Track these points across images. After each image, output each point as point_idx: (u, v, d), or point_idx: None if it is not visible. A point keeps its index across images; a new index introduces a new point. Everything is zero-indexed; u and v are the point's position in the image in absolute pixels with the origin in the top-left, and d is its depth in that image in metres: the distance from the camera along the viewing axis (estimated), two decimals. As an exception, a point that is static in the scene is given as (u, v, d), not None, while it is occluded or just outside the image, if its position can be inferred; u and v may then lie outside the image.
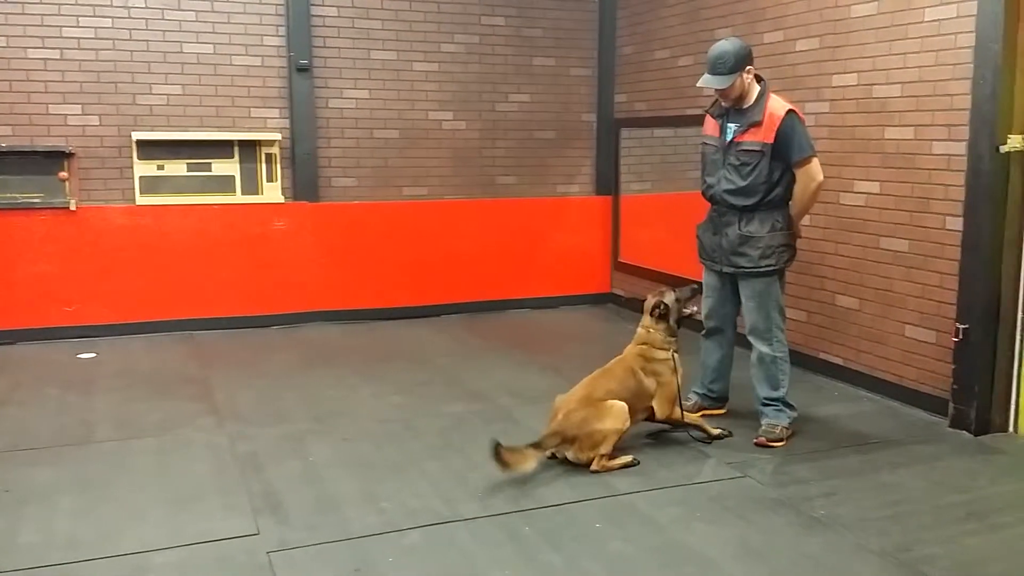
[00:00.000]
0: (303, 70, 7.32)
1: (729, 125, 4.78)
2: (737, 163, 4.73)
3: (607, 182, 8.35)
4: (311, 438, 4.83)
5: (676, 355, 4.68)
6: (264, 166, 7.37)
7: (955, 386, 4.98)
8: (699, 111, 5.44)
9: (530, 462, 4.17)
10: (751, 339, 4.87)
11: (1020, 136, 4.69)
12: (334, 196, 7.60)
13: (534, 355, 6.64)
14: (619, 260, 8.34)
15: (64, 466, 4.42)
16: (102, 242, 6.98)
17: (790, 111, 4.63)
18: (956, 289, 4.98)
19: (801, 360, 5.73)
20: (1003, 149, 4.70)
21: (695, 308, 4.83)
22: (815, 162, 4.66)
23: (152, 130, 7.07)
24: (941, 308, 5.11)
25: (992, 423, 4.92)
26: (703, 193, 4.98)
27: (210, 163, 7.25)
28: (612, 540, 3.65)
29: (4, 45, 6.68)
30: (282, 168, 7.42)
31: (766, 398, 4.86)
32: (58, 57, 6.80)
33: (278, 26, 7.32)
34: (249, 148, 7.33)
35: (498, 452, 4.04)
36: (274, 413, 5.27)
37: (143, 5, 6.96)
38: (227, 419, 5.14)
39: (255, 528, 3.74)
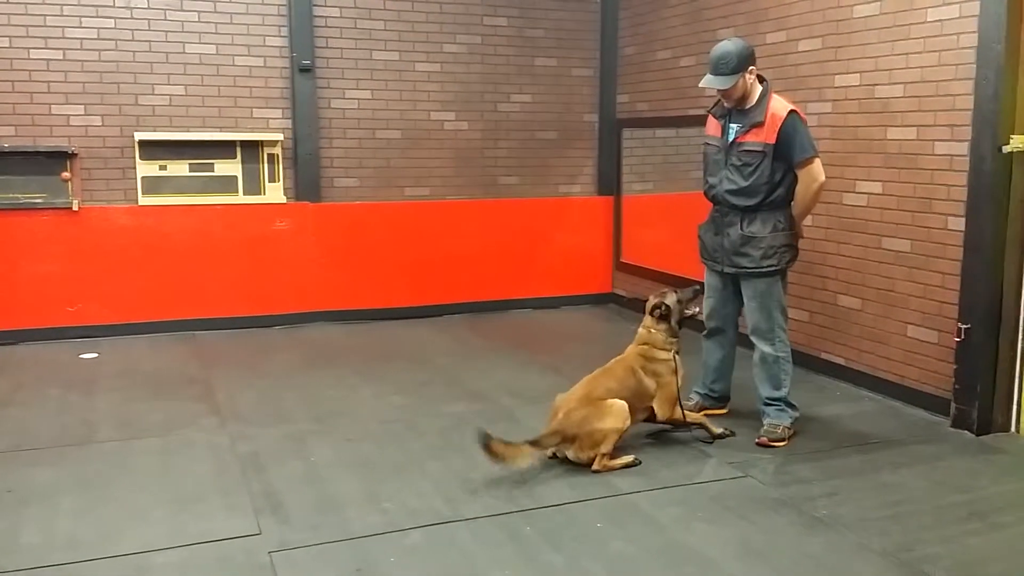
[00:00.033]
0: (305, 71, 7.33)
1: (731, 125, 4.78)
2: (739, 163, 4.73)
3: (609, 182, 8.35)
4: (312, 438, 4.83)
5: (677, 356, 4.68)
6: (266, 166, 7.37)
7: (957, 386, 4.98)
8: (701, 111, 5.45)
9: (524, 458, 4.17)
10: (753, 339, 4.87)
11: (1022, 136, 4.69)
12: (336, 196, 7.60)
13: (535, 355, 6.64)
14: (621, 260, 8.34)
15: (65, 466, 4.43)
16: (104, 242, 6.99)
17: (792, 111, 4.63)
18: (958, 289, 4.98)
19: (803, 360, 5.73)
20: (1005, 149, 4.70)
21: (697, 309, 4.83)
22: (817, 162, 4.65)
23: (154, 130, 7.08)
24: (943, 308, 5.11)
25: (994, 423, 4.92)
26: (705, 193, 4.98)
27: (212, 163, 7.25)
28: (613, 540, 3.65)
29: (7, 46, 6.69)
30: (284, 168, 7.43)
31: (768, 398, 4.86)
32: (61, 58, 6.82)
33: (280, 27, 7.33)
34: (251, 148, 7.34)
35: (488, 443, 4.05)
36: (275, 413, 5.27)
37: (145, 6, 6.97)
38: (228, 419, 5.15)
39: (256, 528, 3.75)
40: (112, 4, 6.89)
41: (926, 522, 3.83)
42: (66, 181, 6.88)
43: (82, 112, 6.91)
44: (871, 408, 5.38)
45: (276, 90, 7.38)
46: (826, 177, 4.76)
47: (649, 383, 4.58)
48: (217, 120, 7.24)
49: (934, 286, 5.16)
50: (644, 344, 4.67)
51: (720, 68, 4.60)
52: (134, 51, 6.98)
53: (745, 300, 4.88)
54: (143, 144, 7.04)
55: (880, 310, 5.53)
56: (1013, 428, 4.94)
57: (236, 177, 7.31)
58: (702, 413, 4.99)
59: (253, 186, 7.35)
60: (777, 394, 4.84)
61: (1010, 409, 4.94)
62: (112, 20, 6.91)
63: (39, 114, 6.82)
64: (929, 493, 4.14)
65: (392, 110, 7.71)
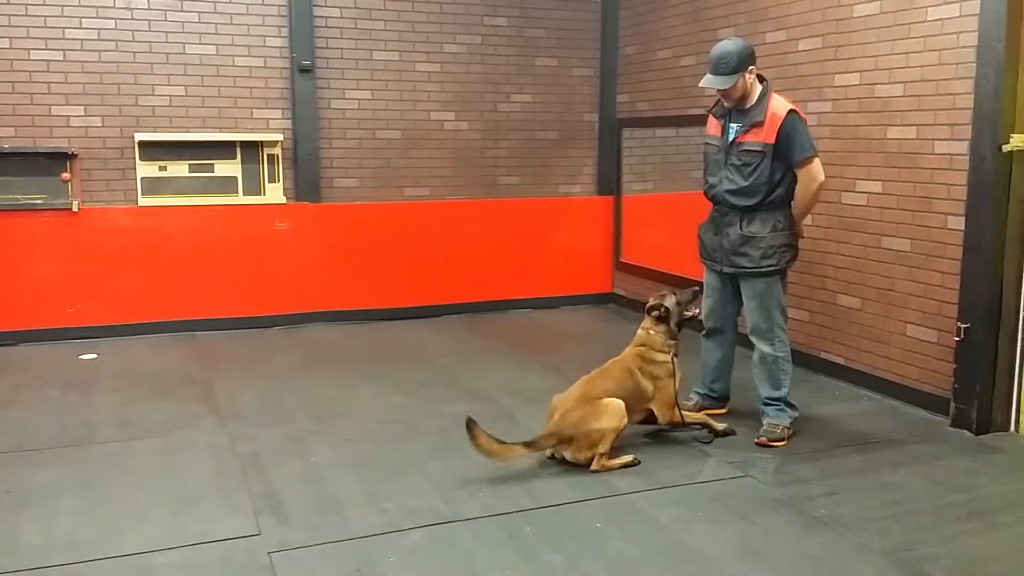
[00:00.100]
0: (305, 71, 7.33)
1: (731, 125, 4.78)
2: (739, 163, 4.72)
3: (609, 182, 8.34)
4: (312, 438, 4.83)
5: (675, 358, 4.67)
6: (266, 167, 7.37)
7: (956, 385, 4.98)
8: (701, 111, 5.45)
9: (516, 459, 4.19)
10: (753, 339, 4.87)
11: (1022, 135, 4.69)
12: (336, 197, 7.60)
13: (535, 355, 6.64)
14: (621, 260, 8.34)
15: (65, 467, 4.43)
16: (104, 243, 7.00)
17: (792, 111, 4.62)
18: (958, 288, 4.98)
19: (803, 360, 5.73)
20: (1005, 148, 4.70)
21: (696, 310, 4.83)
22: (816, 162, 4.65)
23: (154, 131, 7.08)
24: (943, 307, 5.11)
25: (993, 422, 4.92)
26: (705, 193, 4.98)
27: (212, 164, 7.26)
28: (613, 540, 3.65)
29: (7, 47, 6.69)
30: (284, 169, 7.43)
31: (768, 398, 4.86)
32: (61, 59, 6.82)
33: (280, 27, 7.34)
34: (251, 149, 7.34)
35: (473, 431, 4.06)
36: (275, 413, 5.27)
37: (146, 7, 6.97)
38: (228, 419, 5.15)
39: (256, 528, 3.75)
40: (112, 5, 6.89)
41: (926, 522, 3.83)
42: (66, 182, 6.88)
43: (82, 113, 6.92)
44: (871, 408, 5.38)
45: (276, 91, 7.38)
46: (826, 176, 4.76)
47: (647, 385, 4.57)
48: (217, 121, 7.24)
49: (934, 285, 5.16)
50: (642, 345, 4.67)
51: (720, 68, 4.60)
52: (134, 52, 6.99)
53: (744, 300, 4.88)
54: (143, 145, 7.04)
55: (880, 309, 5.53)
56: (1013, 427, 4.94)
57: (236, 178, 7.31)
58: (702, 413, 5.00)
59: (253, 186, 7.36)
60: (776, 394, 4.84)
61: (1010, 408, 4.94)
62: (112, 21, 6.91)
63: (39, 115, 6.82)
64: (929, 493, 4.14)
65: (392, 110, 7.71)
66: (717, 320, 5.06)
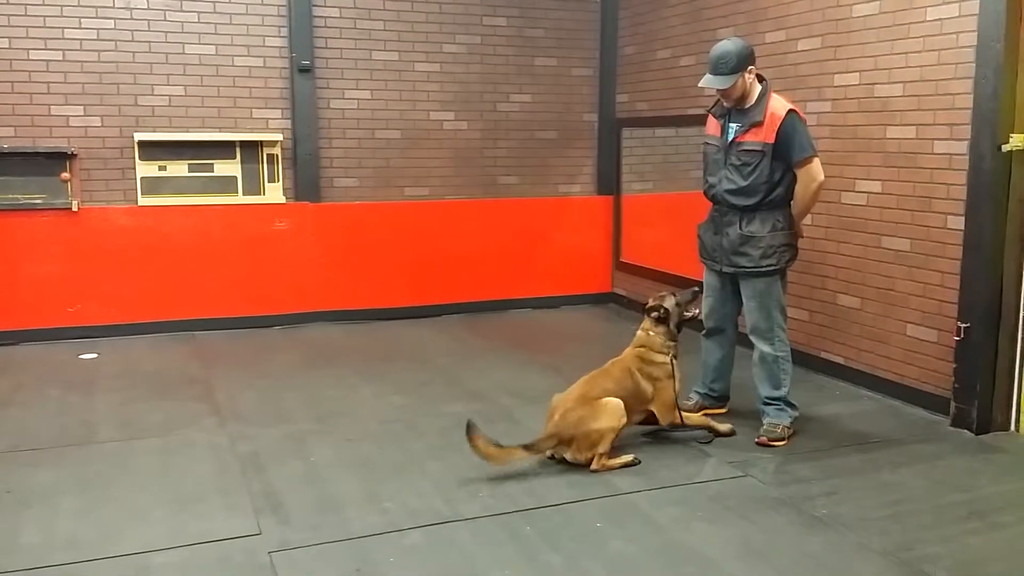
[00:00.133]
0: (305, 71, 7.33)
1: (731, 125, 4.78)
2: (738, 163, 4.72)
3: (609, 182, 8.35)
4: (312, 438, 4.83)
5: (675, 360, 4.66)
6: (266, 167, 7.37)
7: (956, 385, 4.98)
8: (701, 111, 5.45)
9: (515, 461, 4.19)
10: (753, 339, 4.87)
11: (1022, 135, 4.69)
12: (336, 196, 7.60)
13: (535, 355, 6.64)
14: (620, 260, 8.34)
15: (66, 467, 4.43)
16: (104, 243, 6.99)
17: (791, 111, 4.62)
18: (957, 288, 4.98)
19: (802, 359, 5.73)
20: (1005, 148, 4.70)
21: (696, 310, 4.82)
22: (816, 162, 4.65)
23: (154, 131, 7.08)
24: (942, 307, 5.11)
25: (993, 422, 4.92)
26: (704, 193, 4.98)
27: (212, 164, 7.26)
28: (613, 540, 3.65)
29: (6, 47, 6.69)
30: (284, 169, 7.43)
31: (768, 397, 4.86)
32: (60, 58, 6.82)
33: (280, 27, 7.33)
34: (251, 149, 7.34)
35: (472, 436, 4.07)
36: (275, 413, 5.27)
37: (145, 7, 6.97)
38: (228, 419, 5.15)
39: (257, 528, 3.75)
40: (112, 5, 6.89)
41: (926, 521, 3.83)
42: (66, 182, 6.88)
43: (81, 113, 6.92)
44: (871, 407, 5.38)
45: (276, 90, 7.38)
46: (825, 176, 4.76)
47: (646, 386, 4.57)
48: (216, 120, 7.24)
49: (934, 285, 5.16)
50: (641, 347, 4.67)
51: (719, 68, 4.60)
52: (134, 52, 6.98)
53: (744, 300, 4.88)
54: (143, 145, 7.04)
55: (880, 309, 5.54)
56: (1013, 427, 4.94)
57: (236, 177, 7.31)
58: (701, 412, 5.00)
59: (253, 186, 7.35)
60: (777, 393, 4.84)
61: (1010, 408, 4.94)
62: (112, 21, 6.91)
63: (39, 115, 6.82)
64: (929, 492, 4.15)
65: (391, 110, 7.71)
66: (717, 320, 5.06)
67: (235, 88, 7.26)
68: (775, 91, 4.78)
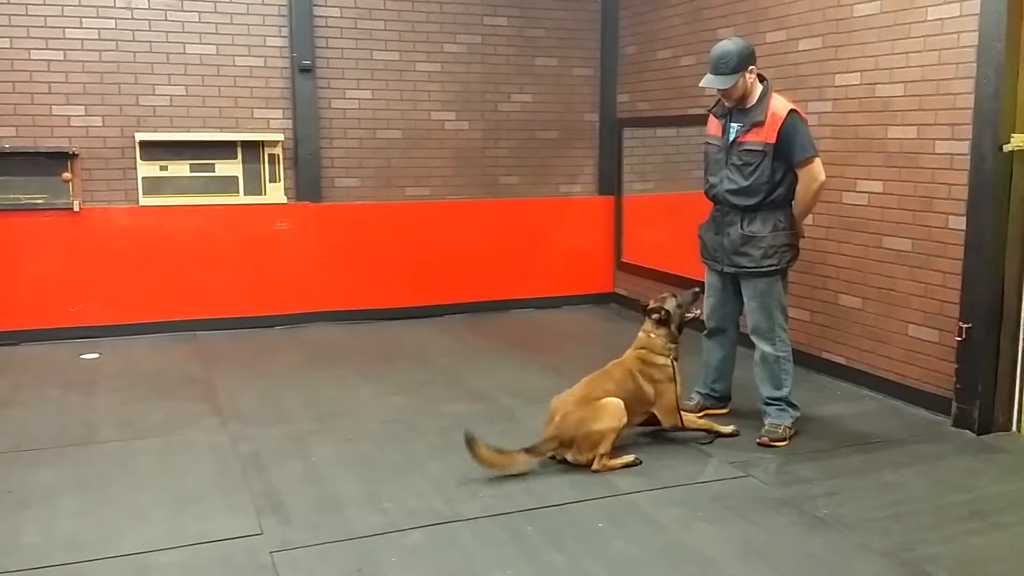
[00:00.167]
0: (306, 71, 7.33)
1: (732, 125, 4.77)
2: (739, 163, 4.72)
3: (610, 182, 8.34)
4: (313, 438, 4.83)
5: (675, 362, 4.66)
6: (267, 167, 7.37)
7: (958, 385, 4.97)
8: (701, 111, 5.44)
9: (518, 466, 4.19)
10: (754, 339, 4.87)
11: (1023, 135, 4.68)
12: (337, 196, 7.60)
13: (536, 355, 6.64)
14: (622, 260, 8.34)
15: (66, 467, 4.43)
16: (105, 243, 7.00)
17: (792, 111, 4.62)
18: (959, 288, 4.97)
19: (804, 359, 5.73)
20: (1006, 148, 4.69)
21: (697, 311, 4.82)
22: (817, 162, 4.65)
23: (155, 131, 7.08)
24: (944, 307, 5.10)
25: (995, 422, 4.91)
26: (706, 193, 4.98)
27: (213, 164, 7.26)
28: (614, 540, 3.64)
29: (8, 47, 6.70)
30: (285, 169, 7.43)
31: (769, 398, 4.85)
32: (61, 58, 6.82)
33: (281, 27, 7.34)
34: (252, 149, 7.34)
35: (473, 446, 4.07)
36: (276, 413, 5.27)
37: (146, 6, 6.97)
38: (229, 419, 5.15)
39: (258, 528, 3.75)
40: (113, 5, 6.90)
41: (927, 522, 3.83)
42: (67, 182, 6.88)
43: (83, 113, 6.92)
44: (872, 407, 5.38)
45: (276, 90, 7.38)
46: (826, 176, 4.76)
47: (648, 388, 4.57)
48: (218, 120, 7.24)
49: (935, 285, 5.16)
50: (642, 348, 4.66)
51: (720, 67, 4.60)
52: (135, 52, 6.99)
53: (745, 300, 4.88)
54: (144, 144, 7.04)
55: (881, 309, 5.53)
56: (1014, 427, 4.94)
57: (237, 177, 7.31)
58: (703, 412, 5.00)
59: (254, 186, 7.36)
60: (778, 394, 4.83)
61: (1011, 408, 4.93)
62: (113, 21, 6.91)
63: (40, 115, 6.83)
64: (930, 493, 4.14)
65: (392, 110, 7.71)
66: (718, 320, 5.05)
67: (236, 88, 7.26)
68: (776, 91, 4.78)
